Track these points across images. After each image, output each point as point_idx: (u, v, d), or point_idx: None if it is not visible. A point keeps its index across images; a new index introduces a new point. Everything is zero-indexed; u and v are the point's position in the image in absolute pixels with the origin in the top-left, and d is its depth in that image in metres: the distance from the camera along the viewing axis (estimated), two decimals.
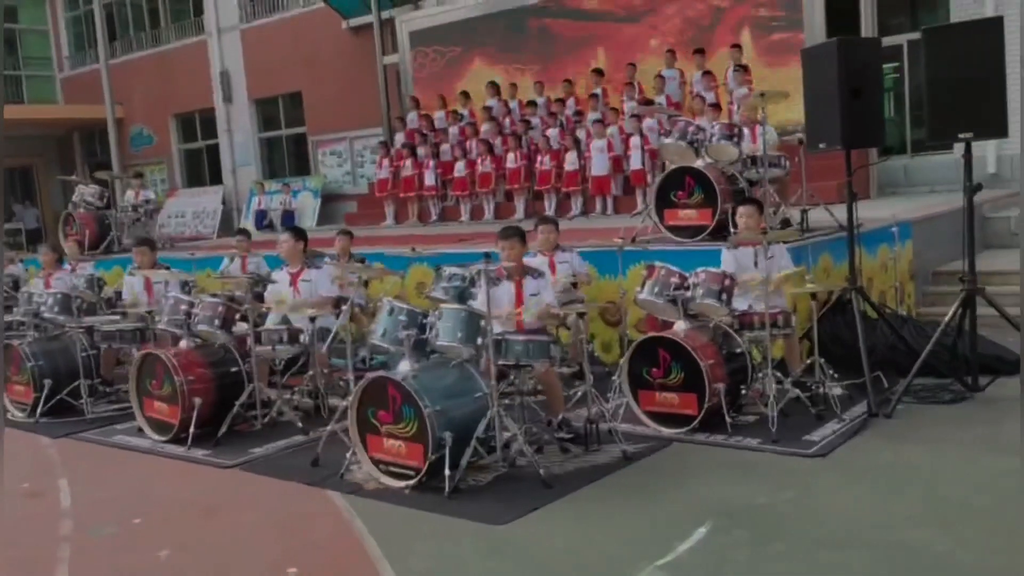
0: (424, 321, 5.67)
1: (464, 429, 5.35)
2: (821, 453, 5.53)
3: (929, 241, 9.53)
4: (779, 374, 6.22)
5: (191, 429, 6.57)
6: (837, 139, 6.52)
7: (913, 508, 4.68)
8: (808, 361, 6.53)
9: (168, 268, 8.75)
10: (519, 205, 14.40)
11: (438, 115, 16.39)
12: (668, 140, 8.29)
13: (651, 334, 6.34)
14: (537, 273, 6.24)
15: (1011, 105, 6.12)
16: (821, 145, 6.76)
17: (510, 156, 14.27)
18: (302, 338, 7.05)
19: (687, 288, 6.28)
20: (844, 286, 6.92)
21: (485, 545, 4.56)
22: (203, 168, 23.25)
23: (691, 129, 8.18)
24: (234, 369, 6.95)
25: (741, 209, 6.83)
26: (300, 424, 6.77)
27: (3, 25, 20.71)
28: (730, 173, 8.11)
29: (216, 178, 22.57)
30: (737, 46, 13.11)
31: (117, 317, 8.66)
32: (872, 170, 12.60)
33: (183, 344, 6.94)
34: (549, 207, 13.98)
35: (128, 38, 23.99)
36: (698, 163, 8.05)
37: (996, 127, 6.04)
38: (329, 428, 6.03)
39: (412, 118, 16.68)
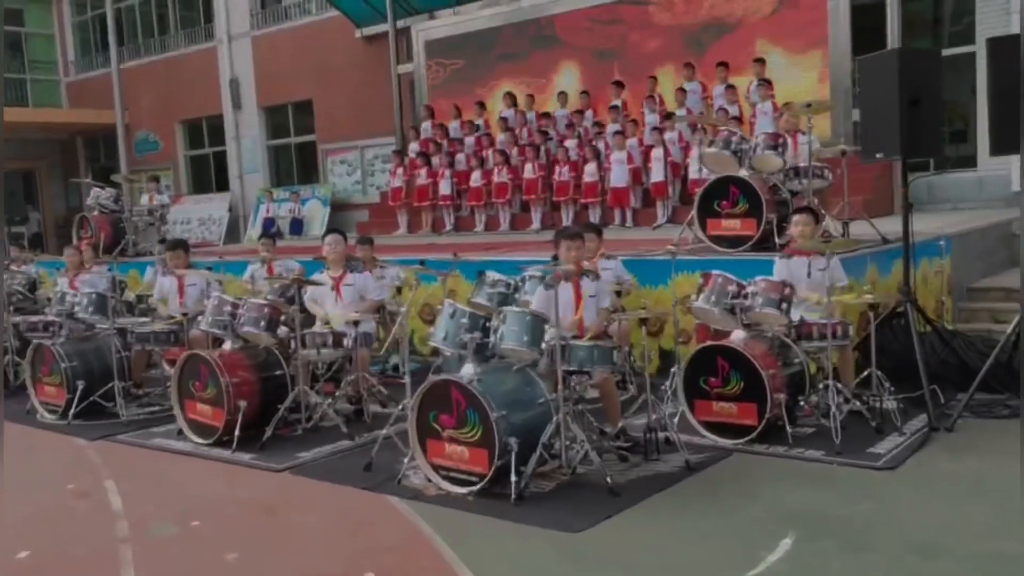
0: (487, 324, 5.56)
1: (528, 435, 5.24)
2: (890, 466, 5.45)
3: (963, 257, 9.50)
4: (839, 385, 6.12)
5: (236, 432, 6.44)
6: (896, 149, 6.47)
7: (993, 519, 4.60)
8: (865, 373, 6.44)
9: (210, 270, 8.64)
10: (536, 216, 14.33)
11: (453, 125, 16.33)
12: (711, 149, 8.23)
13: (710, 342, 6.24)
14: (593, 275, 6.14)
15: None
16: (878, 155, 6.72)
17: (528, 166, 14.22)
18: (346, 342, 6.94)
19: (745, 297, 6.20)
20: (899, 298, 6.85)
21: (563, 552, 4.45)
22: (209, 175, 23.11)
23: (735, 138, 8.12)
24: (278, 372, 6.84)
25: (797, 218, 6.76)
26: (345, 429, 6.64)
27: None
28: (772, 183, 8.06)
29: (223, 185, 22.44)
30: (760, 60, 13.10)
31: (147, 319, 8.55)
32: (897, 186, 12.59)
33: (227, 346, 6.81)
34: (567, 218, 13.93)
35: (135, 43, 23.86)
36: (742, 173, 7.99)
37: None
38: (384, 432, 5.92)
39: (426, 127, 16.62)
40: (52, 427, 7.58)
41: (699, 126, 12.66)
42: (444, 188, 15.17)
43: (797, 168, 8.15)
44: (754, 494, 5.11)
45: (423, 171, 15.35)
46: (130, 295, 10.49)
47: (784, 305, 6.12)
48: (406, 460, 5.60)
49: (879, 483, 5.19)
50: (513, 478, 5.09)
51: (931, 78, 6.52)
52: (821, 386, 6.18)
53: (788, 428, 5.93)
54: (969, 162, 13.00)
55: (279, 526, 5.09)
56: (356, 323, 7.02)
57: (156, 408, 7.92)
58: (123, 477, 6.02)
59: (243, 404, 6.49)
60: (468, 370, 5.41)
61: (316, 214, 19.53)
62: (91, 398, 7.64)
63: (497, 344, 5.48)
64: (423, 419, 5.48)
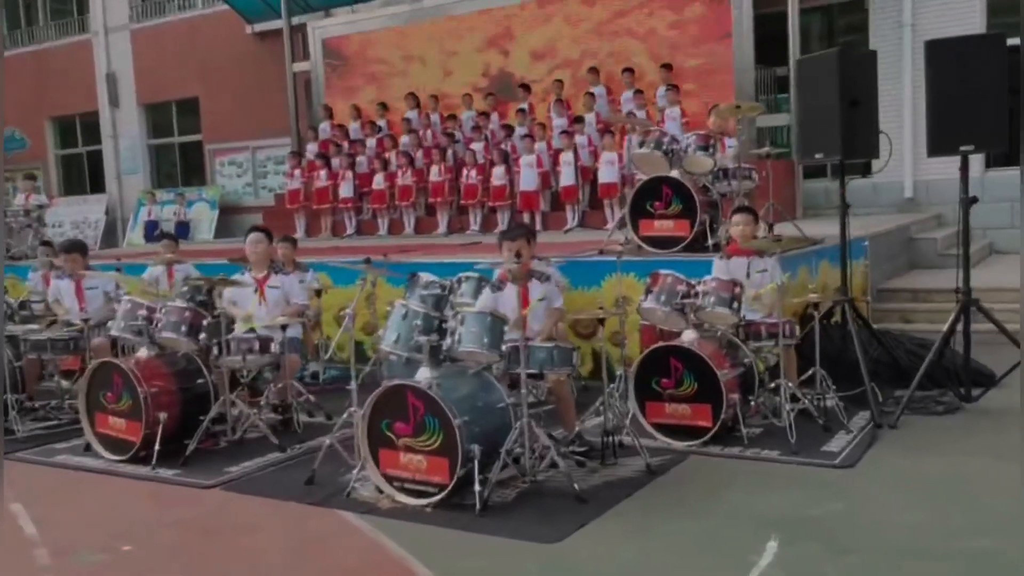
0: (444, 326, 5.26)
1: (490, 442, 4.97)
2: (847, 464, 5.42)
3: (873, 260, 9.74)
4: (791, 385, 6.09)
5: (156, 446, 5.91)
6: (837, 149, 6.50)
7: (964, 517, 4.59)
8: (810, 372, 6.43)
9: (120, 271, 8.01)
10: (442, 219, 14.05)
11: (353, 126, 15.90)
12: (642, 150, 8.14)
13: (662, 343, 6.10)
14: (544, 276, 5.91)
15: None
16: (818, 155, 6.75)
17: (433, 169, 13.93)
18: (273, 347, 6.49)
19: (695, 296, 6.10)
20: (836, 298, 6.89)
21: (544, 565, 4.20)
22: (83, 175, 21.85)
23: (666, 139, 8.06)
24: (200, 381, 6.33)
25: (737, 218, 6.72)
26: (275, 440, 6.20)
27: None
28: (702, 184, 8.04)
29: (98, 186, 21.22)
30: (667, 65, 13.22)
31: (36, 326, 7.84)
32: (799, 190, 12.91)
33: (142, 353, 6.26)
34: (474, 221, 13.74)
35: None
36: (673, 173, 7.93)
37: (997, 139, 6.12)
38: (328, 442, 5.52)
39: (324, 128, 16.13)
40: None
41: (609, 129, 12.72)
42: (345, 190, 14.74)
43: (726, 170, 8.15)
44: (723, 497, 4.98)
45: (323, 173, 14.87)
46: (12, 300, 9.65)
47: (735, 304, 6.04)
48: (354, 471, 5.23)
49: (842, 483, 5.15)
50: (477, 487, 4.80)
51: (869, 79, 6.58)
52: (772, 385, 6.14)
53: (743, 429, 5.84)
54: (864, 168, 13.41)
55: (222, 549, 4.64)
56: (284, 327, 6.58)
57: (53, 422, 7.27)
58: (31, 500, 5.40)
59: (163, 416, 5.96)
60: (424, 374, 5.09)
61: (203, 217, 18.72)
62: None
63: (454, 347, 5.18)
64: (374, 427, 5.13)
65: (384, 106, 15.66)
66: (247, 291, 6.91)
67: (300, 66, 17.12)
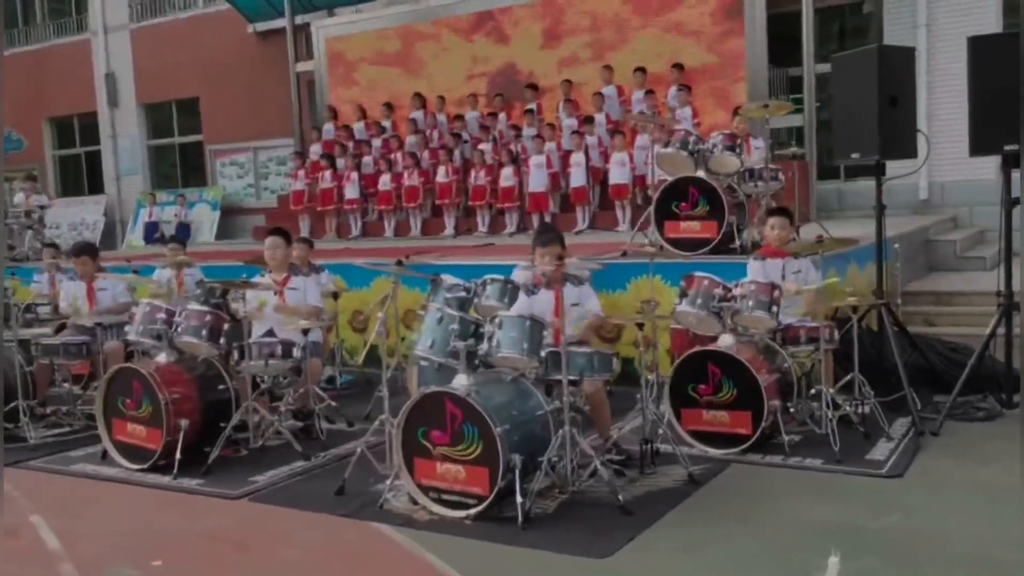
0: (481, 331, 5.07)
1: (528, 450, 4.79)
2: (896, 473, 5.26)
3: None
4: (831, 391, 5.92)
5: (177, 455, 5.72)
6: (874, 149, 6.35)
7: None
8: (848, 377, 6.26)
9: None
10: (449, 221, 13.85)
11: (357, 126, 15.69)
12: (667, 149, 7.96)
13: (700, 348, 5.92)
14: (577, 280, 5.74)
15: None
16: (854, 155, 6.58)
17: (441, 170, 13.72)
18: (295, 352, 6.30)
19: (732, 300, 5.93)
20: (872, 301, 6.73)
21: None
22: (81, 176, 21.58)
23: (691, 139, 7.88)
24: (221, 387, 6.14)
25: (773, 220, 6.55)
26: (299, 448, 6.01)
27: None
28: (727, 185, 7.87)
29: (96, 187, 20.96)
30: (678, 65, 13.05)
31: (47, 330, 7.63)
32: (813, 192, 12.75)
33: (161, 358, 6.06)
34: (482, 223, 13.54)
35: None
36: (699, 174, 7.77)
37: None
38: (359, 451, 5.33)
39: (329, 129, 15.92)
40: None
41: (620, 130, 12.56)
42: (350, 192, 14.52)
43: (752, 170, 7.98)
44: (773, 508, 4.81)
45: (328, 174, 14.66)
46: (19, 303, 9.42)
47: (774, 308, 5.87)
48: (388, 481, 5.05)
49: (894, 492, 4.98)
50: (519, 499, 4.61)
51: (907, 77, 6.44)
52: (813, 392, 5.98)
53: (784, 436, 5.67)
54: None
55: (257, 563, 4.45)
56: (306, 331, 6.40)
57: (65, 429, 7.07)
58: (51, 511, 5.21)
59: (184, 423, 5.77)
60: (462, 381, 4.91)
61: (204, 218, 18.48)
62: None
63: (492, 352, 4.99)
64: (409, 436, 4.94)
65: (389, 106, 15.46)
66: (266, 294, 6.72)
67: (303, 66, 16.90)
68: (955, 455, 5.59)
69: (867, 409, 6.18)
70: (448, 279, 6.80)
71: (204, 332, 6.04)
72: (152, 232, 17.96)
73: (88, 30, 20.42)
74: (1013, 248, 6.52)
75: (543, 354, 5.02)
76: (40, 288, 9.51)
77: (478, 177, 13.33)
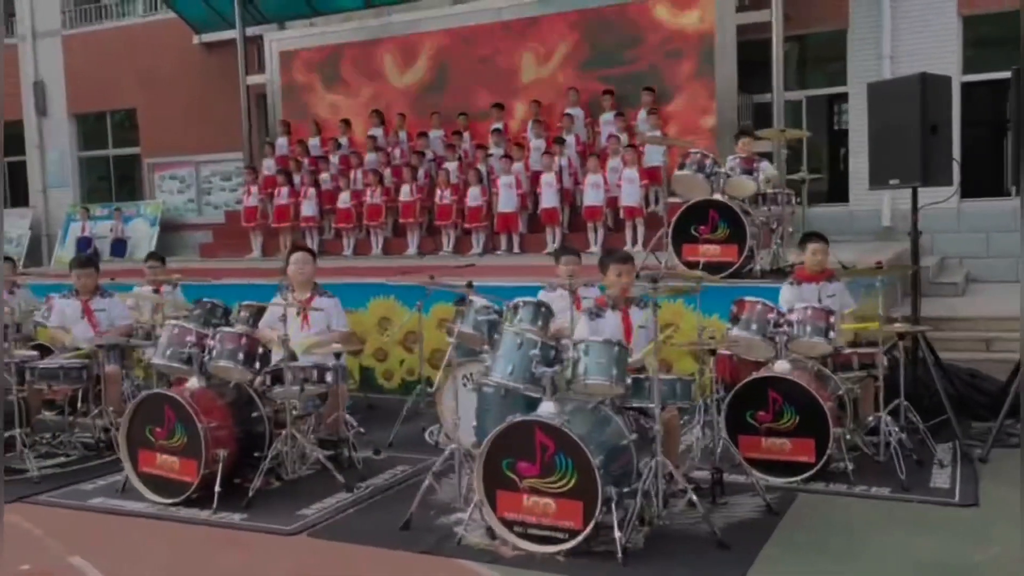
0: (564, 357, 4.85)
1: (619, 482, 4.60)
2: (969, 502, 5.24)
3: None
4: (889, 419, 5.89)
5: (216, 487, 5.31)
6: (916, 176, 6.41)
7: None
8: (894, 404, 6.24)
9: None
10: (412, 240, 13.55)
11: (312, 142, 15.26)
12: (683, 172, 7.91)
13: (759, 374, 5.82)
14: (643, 303, 5.57)
15: None
16: (892, 181, 6.63)
17: (404, 188, 13.42)
18: (328, 377, 5.96)
19: (788, 325, 5.86)
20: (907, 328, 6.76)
21: None
22: (3, 187, 20.36)
23: (707, 161, 7.85)
24: (255, 414, 5.75)
25: (813, 245, 6.54)
26: (341, 479, 5.66)
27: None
28: (743, 209, 7.86)
29: (20, 200, 19.86)
30: (650, 89, 13.09)
31: (35, 353, 7.07)
32: (804, 217, 12.88)
33: (193, 383, 5.64)
34: (447, 243, 13.27)
35: None
36: (716, 197, 7.74)
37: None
38: (427, 482, 5.05)
39: (282, 144, 15.45)
40: None
41: (592, 152, 12.51)
42: (307, 208, 14.06)
43: (764, 195, 8.00)
44: (867, 540, 4.71)
45: (284, 190, 14.18)
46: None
47: (831, 334, 5.83)
48: (466, 514, 4.78)
49: (979, 523, 4.94)
50: (616, 533, 4.41)
51: (946, 105, 6.53)
52: (871, 418, 5.95)
53: (848, 464, 5.61)
54: (842, 196, 13.58)
55: None
56: (337, 355, 6.07)
57: (62, 459, 6.54)
58: (91, 551, 4.75)
59: (223, 453, 5.38)
60: (549, 409, 4.68)
61: (143, 234, 17.66)
62: None
63: (578, 379, 4.78)
64: (492, 467, 4.68)
65: (347, 122, 15.09)
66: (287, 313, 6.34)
67: (254, 79, 16.37)
68: (1011, 482, 5.60)
69: (904, 435, 6.19)
70: (478, 300, 6.59)
71: (240, 356, 5.65)
72: (84, 248, 17.07)
73: (16, 35, 19.38)
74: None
75: (629, 380, 4.84)
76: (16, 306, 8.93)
77: (444, 196, 13.07)
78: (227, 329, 5.86)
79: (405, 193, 13.38)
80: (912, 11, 12.74)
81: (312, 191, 14.07)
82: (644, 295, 5.34)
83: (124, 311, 7.17)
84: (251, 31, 16.47)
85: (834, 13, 13.08)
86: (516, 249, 12.85)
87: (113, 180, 19.42)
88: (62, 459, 6.54)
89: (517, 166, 12.83)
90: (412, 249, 13.48)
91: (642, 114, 12.82)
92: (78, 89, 18.86)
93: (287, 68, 16.10)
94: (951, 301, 10.67)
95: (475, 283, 6.32)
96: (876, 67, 13.02)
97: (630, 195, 11.77)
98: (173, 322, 5.96)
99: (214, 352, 5.62)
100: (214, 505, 5.28)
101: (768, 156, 13.18)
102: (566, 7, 14.12)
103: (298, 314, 6.39)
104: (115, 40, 18.39)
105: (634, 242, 11.77)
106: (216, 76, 17.06)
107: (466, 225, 13.11)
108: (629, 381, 4.84)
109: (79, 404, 6.83)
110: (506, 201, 12.66)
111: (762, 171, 8.29)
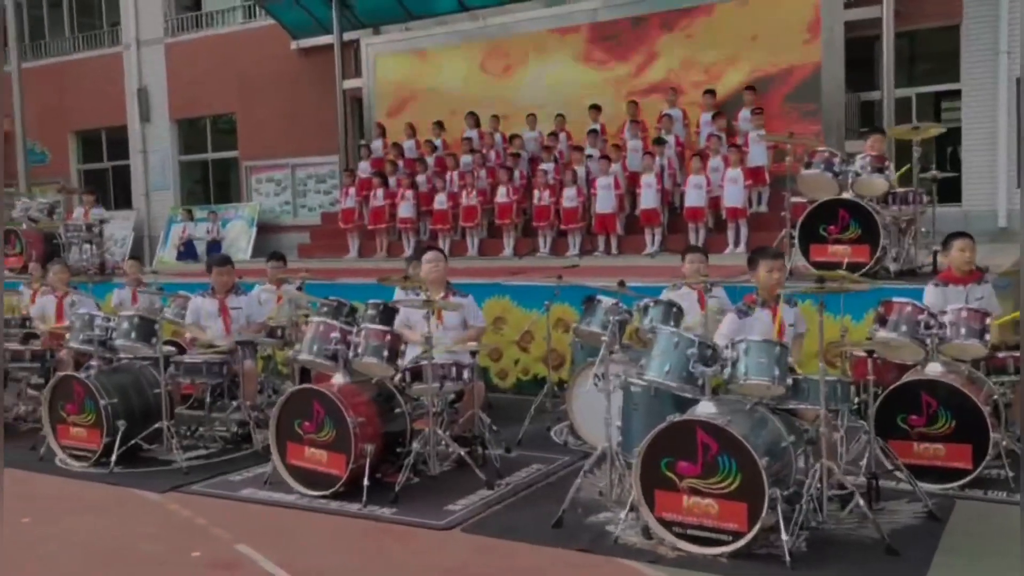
0: (723, 356, 4.78)
1: (779, 484, 4.50)
2: None
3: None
4: None
5: (364, 482, 5.36)
6: None
7: None
8: None
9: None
10: (508, 241, 13.56)
11: (407, 144, 15.39)
12: (810, 171, 7.75)
13: (912, 377, 5.66)
14: (792, 301, 5.46)
15: None
16: None
17: (500, 190, 13.44)
18: (465, 374, 5.98)
19: (941, 327, 5.68)
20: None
21: None
22: (107, 191, 21.01)
23: (836, 160, 7.68)
24: (397, 410, 5.80)
25: (958, 243, 6.34)
26: (483, 476, 5.67)
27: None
28: (872, 208, 7.66)
29: (124, 202, 20.47)
30: (751, 88, 12.90)
31: (173, 349, 7.27)
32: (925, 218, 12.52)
33: (338, 379, 5.71)
34: (543, 244, 13.26)
35: (22, 47, 21.55)
36: (845, 196, 7.56)
37: None
38: (578, 481, 5.02)
39: (377, 146, 15.61)
40: (85, 476, 6.21)
41: (695, 152, 12.37)
42: (404, 210, 14.18)
43: (895, 193, 7.79)
44: None
45: (380, 192, 14.32)
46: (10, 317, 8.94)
47: (987, 336, 5.64)
48: (623, 514, 4.73)
49: None
50: (784, 536, 4.32)
51: None
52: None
53: (1007, 471, 5.42)
54: (952, 196, 13.18)
55: None
56: (474, 353, 6.09)
57: (202, 451, 6.69)
58: (254, 540, 4.83)
59: (370, 448, 5.43)
60: (708, 409, 4.62)
61: (240, 236, 18.02)
62: (133, 441, 6.31)
63: (737, 378, 4.71)
64: (650, 467, 4.63)
65: (440, 125, 15.18)
66: (420, 313, 6.38)
67: (350, 83, 16.61)
68: None
69: None
70: (606, 301, 6.55)
71: (385, 352, 5.70)
72: (191, 249, 17.58)
73: (120, 43, 20.00)
74: None
75: (788, 380, 4.75)
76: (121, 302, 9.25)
77: (542, 198, 13.06)
78: (372, 326, 5.92)
79: (501, 195, 13.41)
80: None
81: (410, 193, 14.19)
82: (795, 293, 5.24)
83: (259, 309, 7.31)
84: (347, 36, 16.71)
85: (947, 7, 12.69)
86: (614, 250, 12.76)
87: (212, 183, 19.88)
88: (202, 451, 6.68)
89: (615, 167, 12.75)
90: (508, 250, 13.50)
91: (744, 113, 12.65)
92: (179, 95, 19.36)
93: (383, 71, 16.28)
94: None
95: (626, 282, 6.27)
96: (992, 63, 12.63)
97: (733, 195, 11.62)
98: (317, 319, 6.06)
99: (359, 348, 5.68)
100: (363, 499, 5.32)
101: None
102: (660, 7, 14.04)
103: (433, 313, 6.41)
104: (215, 47, 18.83)
105: (736, 243, 11.62)
106: (312, 80, 17.33)
107: (562, 226, 13.08)
108: (790, 382, 4.74)
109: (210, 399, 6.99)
110: (604, 202, 12.59)
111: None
